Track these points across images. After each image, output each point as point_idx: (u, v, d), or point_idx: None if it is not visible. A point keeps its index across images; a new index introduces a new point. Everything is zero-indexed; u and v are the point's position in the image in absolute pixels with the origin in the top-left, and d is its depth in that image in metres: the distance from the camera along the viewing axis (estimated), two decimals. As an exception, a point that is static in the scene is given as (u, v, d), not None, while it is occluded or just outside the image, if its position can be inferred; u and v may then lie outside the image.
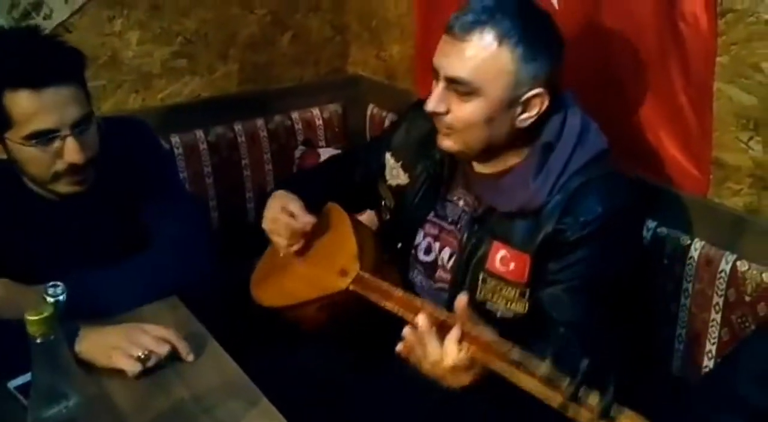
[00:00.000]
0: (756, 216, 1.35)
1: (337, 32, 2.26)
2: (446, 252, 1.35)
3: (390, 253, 1.38)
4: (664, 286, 1.46)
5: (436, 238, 1.37)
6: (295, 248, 1.35)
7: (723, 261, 1.36)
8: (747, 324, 1.32)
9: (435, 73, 1.22)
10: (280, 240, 1.36)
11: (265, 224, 1.38)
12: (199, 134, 1.99)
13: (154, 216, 1.40)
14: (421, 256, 1.38)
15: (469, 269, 1.28)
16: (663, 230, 1.46)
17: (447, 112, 1.22)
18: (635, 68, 1.49)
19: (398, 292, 1.16)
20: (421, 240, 1.38)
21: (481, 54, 1.16)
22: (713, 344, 1.39)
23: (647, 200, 1.33)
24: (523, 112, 1.21)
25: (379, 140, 1.52)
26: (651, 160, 1.51)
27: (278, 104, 2.15)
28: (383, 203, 1.47)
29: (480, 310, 1.22)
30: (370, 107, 2.21)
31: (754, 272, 1.31)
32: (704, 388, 1.13)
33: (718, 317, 1.37)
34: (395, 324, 1.10)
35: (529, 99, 1.20)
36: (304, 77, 2.25)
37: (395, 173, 1.44)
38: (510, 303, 1.25)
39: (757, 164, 1.33)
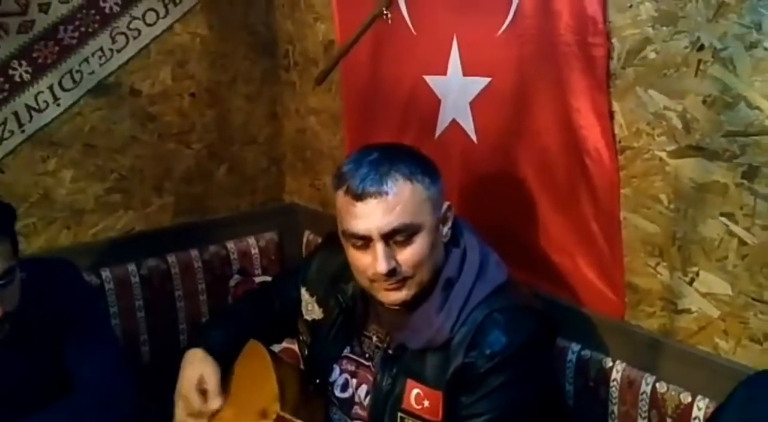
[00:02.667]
0: (669, 338, 1.40)
1: (273, 163, 2.34)
2: (363, 390, 1.35)
3: (313, 387, 1.38)
4: (591, 409, 1.48)
5: (353, 375, 1.38)
6: None
7: (643, 383, 1.40)
8: (671, 446, 1.34)
9: (361, 241, 1.23)
10: (186, 419, 1.36)
11: (177, 398, 1.37)
12: (131, 267, 1.99)
13: (75, 359, 1.38)
14: (338, 393, 1.38)
15: (386, 408, 1.28)
16: (587, 352, 1.50)
17: (397, 265, 1.23)
18: (549, 199, 1.58)
19: None
20: (338, 377, 1.38)
21: (404, 196, 1.22)
22: (642, 467, 1.41)
23: (558, 325, 1.36)
24: (444, 227, 1.30)
25: (295, 274, 1.54)
26: (571, 285, 1.58)
27: (213, 234, 2.18)
28: (301, 338, 1.48)
29: None
30: (306, 233, 2.26)
31: (673, 392, 1.35)
32: None
33: (644, 439, 1.40)
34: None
35: (444, 214, 1.30)
36: (240, 207, 2.29)
37: (310, 308, 1.45)
38: None
39: (665, 288, 1.40)
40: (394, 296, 1.26)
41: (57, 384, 1.36)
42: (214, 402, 1.34)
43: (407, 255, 1.23)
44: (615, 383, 1.44)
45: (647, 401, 1.38)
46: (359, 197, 1.22)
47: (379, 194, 1.21)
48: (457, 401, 1.23)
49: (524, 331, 1.24)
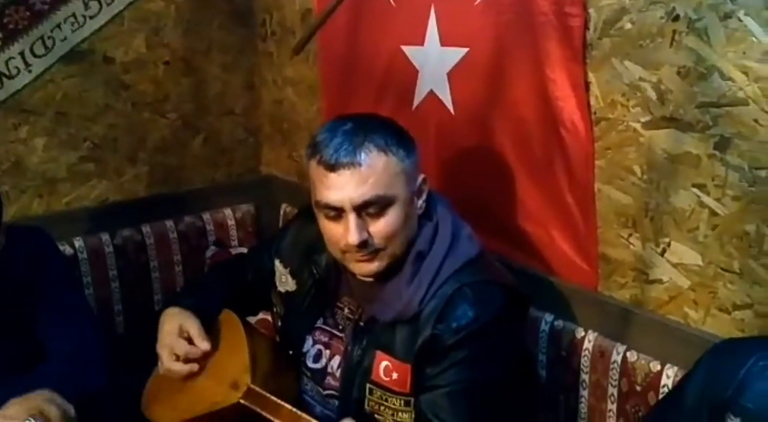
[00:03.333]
0: (641, 308, 1.42)
1: (250, 134, 2.32)
2: (336, 361, 1.35)
3: (286, 358, 1.38)
4: (563, 378, 1.50)
5: (326, 345, 1.38)
6: (191, 370, 1.34)
7: (614, 352, 1.41)
8: (640, 413, 1.36)
9: (333, 212, 1.23)
10: (175, 366, 1.34)
11: (161, 348, 1.36)
12: (105, 237, 1.97)
13: (48, 328, 1.37)
14: (310, 363, 1.38)
15: (356, 379, 1.28)
16: (559, 322, 1.52)
17: (369, 236, 1.23)
18: (525, 171, 1.58)
19: (286, 408, 1.16)
20: (310, 348, 1.39)
21: (378, 168, 1.21)
22: (612, 434, 1.43)
23: (529, 300, 1.37)
24: (418, 200, 1.29)
25: (269, 245, 1.54)
26: (545, 256, 1.59)
27: (189, 206, 2.16)
28: (274, 310, 1.48)
29: (367, 420, 1.24)
30: (283, 206, 2.25)
31: (643, 361, 1.37)
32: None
33: (614, 407, 1.42)
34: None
35: (419, 187, 1.29)
36: (216, 178, 2.27)
37: (284, 280, 1.45)
38: (396, 413, 1.26)
39: (638, 259, 1.41)
40: (366, 268, 1.25)
41: (28, 353, 1.35)
42: (202, 344, 1.33)
43: (380, 227, 1.22)
44: (587, 352, 1.46)
45: (618, 370, 1.40)
46: (332, 167, 1.20)
47: (353, 165, 1.20)
48: (423, 372, 1.24)
49: (492, 306, 1.24)
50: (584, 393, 1.47)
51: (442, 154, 1.71)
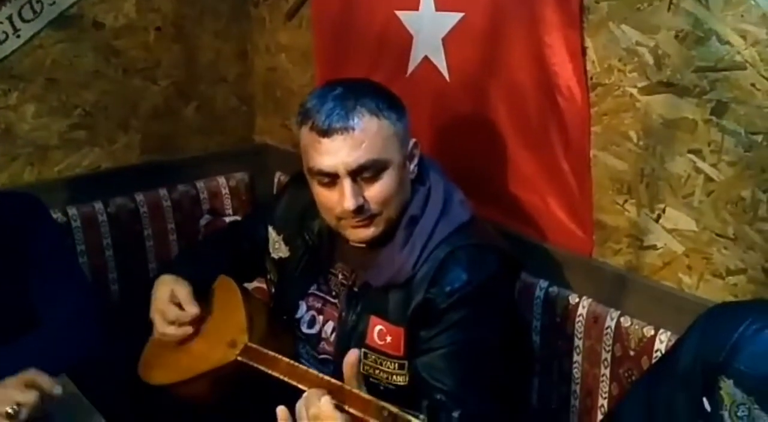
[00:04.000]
0: (635, 274, 1.42)
1: (243, 102, 2.30)
2: (329, 326, 1.36)
3: (281, 323, 1.38)
4: (558, 344, 1.51)
5: (319, 311, 1.38)
6: (185, 333, 1.34)
7: (608, 318, 1.42)
8: (633, 378, 1.37)
9: (327, 178, 1.22)
10: (169, 330, 1.35)
11: (153, 314, 1.36)
12: (98, 205, 1.96)
13: (42, 295, 1.37)
14: (305, 329, 1.39)
15: (350, 344, 1.28)
16: (554, 289, 1.52)
17: (365, 201, 1.22)
18: (521, 137, 1.58)
19: (284, 360, 1.17)
20: (304, 313, 1.39)
21: (371, 132, 1.20)
22: (605, 398, 1.44)
23: (521, 264, 1.38)
24: (410, 164, 1.29)
25: (263, 212, 1.53)
26: (540, 223, 1.59)
27: (183, 174, 2.14)
28: (269, 277, 1.48)
29: (365, 383, 1.24)
30: (277, 174, 2.24)
31: (636, 327, 1.37)
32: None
33: (608, 372, 1.43)
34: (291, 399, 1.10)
35: (411, 151, 1.29)
36: (209, 147, 2.25)
37: (277, 247, 1.45)
38: (391, 376, 1.27)
39: (633, 225, 1.41)
40: (362, 234, 1.25)
41: (20, 320, 1.35)
42: (191, 308, 1.33)
43: (375, 192, 1.22)
44: (581, 318, 1.47)
45: (611, 335, 1.41)
46: (325, 132, 1.19)
47: (346, 129, 1.18)
48: (417, 335, 1.24)
49: (485, 269, 1.24)
50: (578, 358, 1.48)
51: (437, 120, 1.70)
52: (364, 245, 1.29)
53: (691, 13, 1.23)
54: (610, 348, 1.42)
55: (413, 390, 1.25)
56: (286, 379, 1.13)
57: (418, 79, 1.72)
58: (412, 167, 1.29)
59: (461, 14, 1.60)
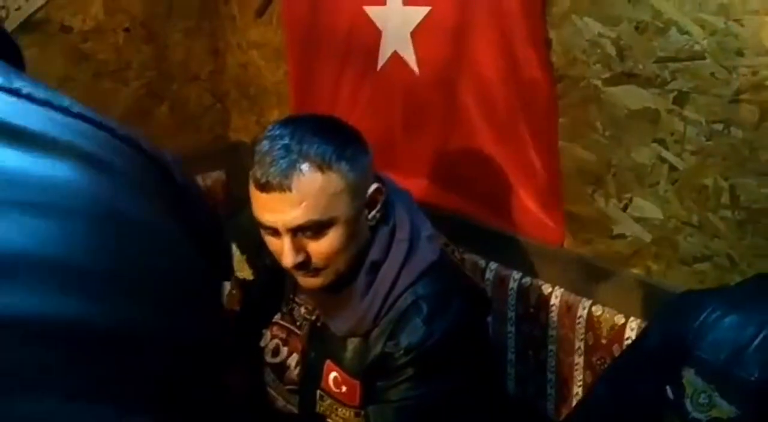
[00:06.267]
0: (605, 263, 1.44)
1: (217, 100, 2.29)
2: (294, 358, 1.32)
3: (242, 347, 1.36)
4: (532, 333, 1.53)
5: (284, 342, 1.34)
6: None
7: (580, 307, 1.44)
8: (605, 366, 1.39)
9: (271, 231, 1.14)
10: None
11: None
12: (74, 210, 1.95)
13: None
14: (269, 358, 1.34)
15: (310, 383, 1.26)
16: (527, 280, 1.54)
17: (307, 257, 1.14)
18: (490, 130, 1.58)
19: None
20: (269, 341, 1.35)
21: (312, 190, 1.10)
22: (579, 386, 1.47)
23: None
24: (371, 211, 1.20)
25: (228, 228, 1.44)
26: (512, 215, 1.60)
27: (158, 175, 2.13)
28: (232, 291, 1.44)
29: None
30: (254, 172, 2.24)
31: (608, 315, 1.39)
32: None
33: (581, 360, 1.45)
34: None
35: (370, 198, 1.19)
36: (184, 147, 2.24)
37: (241, 266, 1.39)
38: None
39: (602, 215, 1.43)
40: (309, 283, 1.18)
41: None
42: None
43: (318, 249, 1.13)
44: (554, 308, 1.49)
45: (584, 324, 1.43)
46: (263, 187, 1.11)
47: (281, 188, 1.09)
48: (373, 385, 1.20)
49: (446, 319, 1.17)
50: (552, 347, 1.50)
51: (407, 115, 1.71)
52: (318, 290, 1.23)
53: (651, 4, 1.24)
54: (583, 336, 1.44)
55: None
56: None
57: (388, 74, 1.72)
58: (372, 214, 1.19)
59: (428, 8, 1.60)
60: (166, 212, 0.31)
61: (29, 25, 1.90)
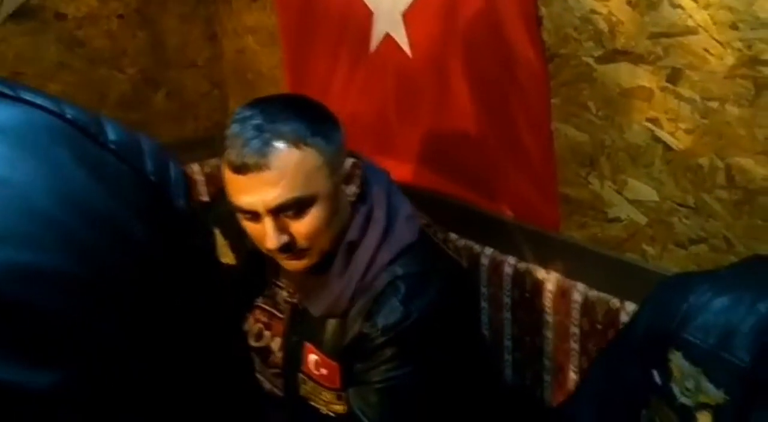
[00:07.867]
0: (600, 247, 1.41)
1: (214, 86, 2.27)
2: (277, 342, 1.30)
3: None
4: (528, 319, 1.50)
5: (267, 326, 1.32)
6: None
7: (575, 292, 1.41)
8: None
9: (250, 215, 1.12)
10: None
11: None
12: (69, 198, 1.95)
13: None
14: (252, 342, 1.33)
15: (292, 365, 1.24)
16: (523, 265, 1.51)
17: (291, 237, 1.12)
18: (483, 112, 1.55)
19: None
20: (252, 326, 1.33)
21: (289, 167, 1.07)
22: (576, 373, 1.44)
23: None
24: (349, 186, 1.18)
25: (207, 213, 1.42)
26: (507, 199, 1.57)
27: (156, 162, 2.12)
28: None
29: (305, 405, 1.22)
30: (253, 158, 2.22)
31: (603, 300, 1.36)
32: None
33: (577, 346, 1.42)
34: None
35: (348, 173, 1.18)
36: (182, 134, 2.24)
37: (224, 251, 1.37)
38: (329, 405, 1.23)
39: (596, 197, 1.39)
40: (293, 265, 1.16)
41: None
42: None
43: (301, 228, 1.11)
44: (549, 293, 1.45)
45: (579, 309, 1.40)
46: (239, 169, 1.07)
47: (259, 167, 1.06)
48: (352, 367, 1.18)
49: (424, 300, 1.15)
50: (548, 333, 1.47)
51: (400, 97, 1.68)
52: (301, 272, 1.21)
53: (643, -22, 1.20)
54: (578, 321, 1.41)
55: (351, 418, 1.20)
56: None
57: (381, 57, 1.70)
58: (351, 189, 1.18)
59: (419, -12, 1.57)
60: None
61: (23, 12, 1.90)
